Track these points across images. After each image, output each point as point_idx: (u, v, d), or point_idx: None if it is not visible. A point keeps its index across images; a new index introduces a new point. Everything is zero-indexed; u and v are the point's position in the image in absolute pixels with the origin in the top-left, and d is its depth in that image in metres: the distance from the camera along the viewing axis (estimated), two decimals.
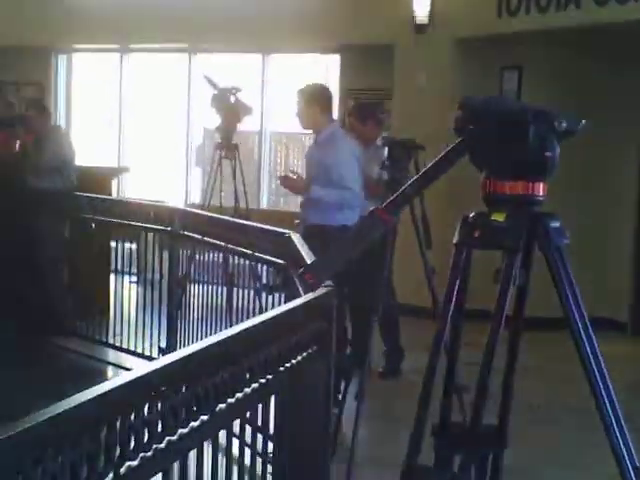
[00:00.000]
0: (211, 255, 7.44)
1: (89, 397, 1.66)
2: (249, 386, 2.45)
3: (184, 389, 2.06)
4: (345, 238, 2.83)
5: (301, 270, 2.74)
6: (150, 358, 7.77)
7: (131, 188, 13.46)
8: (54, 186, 8.77)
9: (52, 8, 13.36)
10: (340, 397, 5.87)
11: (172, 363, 2.05)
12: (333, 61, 12.61)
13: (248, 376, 2.43)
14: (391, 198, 2.63)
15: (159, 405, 1.94)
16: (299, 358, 2.79)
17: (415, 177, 2.67)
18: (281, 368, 2.66)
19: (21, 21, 13.14)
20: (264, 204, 13.00)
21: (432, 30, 10.71)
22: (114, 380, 1.80)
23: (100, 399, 1.69)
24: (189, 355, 2.13)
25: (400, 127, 10.26)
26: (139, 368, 1.92)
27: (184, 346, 7.48)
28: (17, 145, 9.30)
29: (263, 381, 2.53)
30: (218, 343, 2.32)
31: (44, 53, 13.75)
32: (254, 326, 2.55)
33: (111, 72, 13.83)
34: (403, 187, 2.63)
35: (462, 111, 2.55)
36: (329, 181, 6.65)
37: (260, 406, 2.66)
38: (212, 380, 2.20)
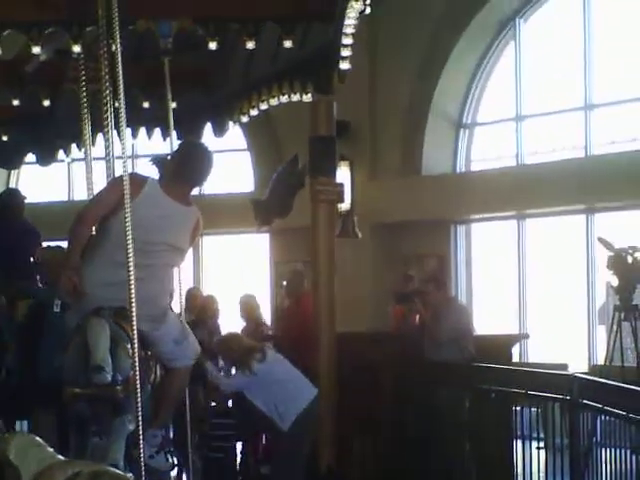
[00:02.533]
0: (616, 420, 7.22)
1: None
2: None
3: None
4: None
5: None
6: None
7: (534, 352, 13.39)
8: (452, 357, 8.97)
9: (450, 182, 13.97)
10: None
11: None
12: None
13: None
14: None
15: None
16: None
17: None
18: None
19: (423, 196, 13.78)
20: None
21: None
22: None
23: None
24: None
25: None
26: None
27: None
28: (416, 319, 9.65)
29: None
30: None
31: (444, 225, 14.26)
32: None
33: (508, 239, 14.05)
34: None
35: None
36: None
37: None
38: None
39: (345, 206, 11.63)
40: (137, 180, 5.76)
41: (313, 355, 9.25)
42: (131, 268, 5.28)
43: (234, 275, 15.30)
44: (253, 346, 8.26)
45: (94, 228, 5.89)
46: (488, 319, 13.36)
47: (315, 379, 9.21)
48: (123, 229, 5.30)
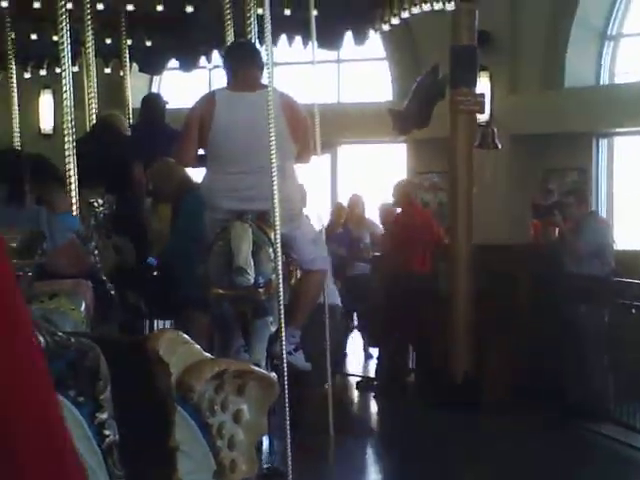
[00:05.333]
0: None
1: None
2: None
3: None
4: None
5: None
6: None
7: None
8: (592, 272, 8.83)
9: (594, 95, 13.61)
10: None
11: None
12: None
13: None
14: None
15: None
16: None
17: None
18: None
19: (565, 108, 13.48)
20: None
21: None
22: None
23: None
24: None
25: None
26: None
27: None
28: (556, 232, 9.50)
29: None
30: None
31: (586, 138, 13.93)
32: None
33: None
34: None
35: None
36: None
37: None
38: None
39: (484, 117, 11.47)
40: (207, 97, 6.08)
41: (419, 264, 9.41)
42: (274, 172, 5.39)
43: (371, 184, 15.26)
44: None
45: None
46: (629, 234, 13.05)
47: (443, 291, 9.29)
48: (220, 144, 5.71)
